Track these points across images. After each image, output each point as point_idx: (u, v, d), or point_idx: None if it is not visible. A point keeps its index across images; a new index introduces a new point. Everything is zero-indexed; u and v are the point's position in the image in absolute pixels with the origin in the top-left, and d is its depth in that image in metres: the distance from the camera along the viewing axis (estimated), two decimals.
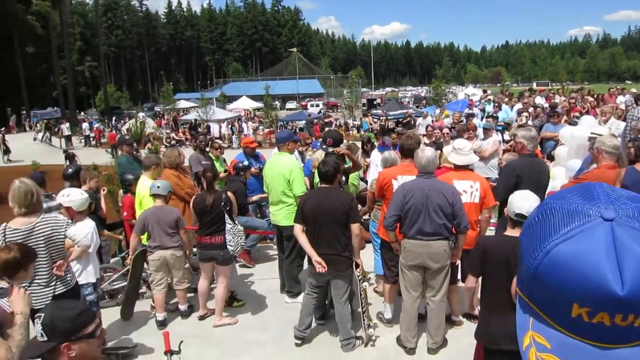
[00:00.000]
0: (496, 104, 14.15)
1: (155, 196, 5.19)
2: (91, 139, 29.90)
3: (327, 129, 15.71)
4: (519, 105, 13.25)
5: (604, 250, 0.70)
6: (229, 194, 5.27)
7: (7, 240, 3.41)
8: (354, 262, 4.51)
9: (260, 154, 8.06)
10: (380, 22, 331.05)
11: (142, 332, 5.10)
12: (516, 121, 11.00)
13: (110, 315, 5.24)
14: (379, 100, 50.02)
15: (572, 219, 0.75)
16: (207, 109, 32.01)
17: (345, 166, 4.96)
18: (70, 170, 5.94)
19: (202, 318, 5.31)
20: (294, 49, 79.96)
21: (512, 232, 3.10)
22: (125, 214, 6.18)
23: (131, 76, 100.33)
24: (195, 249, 5.48)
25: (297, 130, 25.76)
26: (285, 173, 5.46)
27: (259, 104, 47.90)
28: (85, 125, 31.53)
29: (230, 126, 29.84)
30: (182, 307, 5.39)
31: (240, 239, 4.99)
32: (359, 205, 6.01)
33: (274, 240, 7.62)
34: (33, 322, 2.08)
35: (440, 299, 4.30)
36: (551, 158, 7.86)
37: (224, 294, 5.17)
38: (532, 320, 0.79)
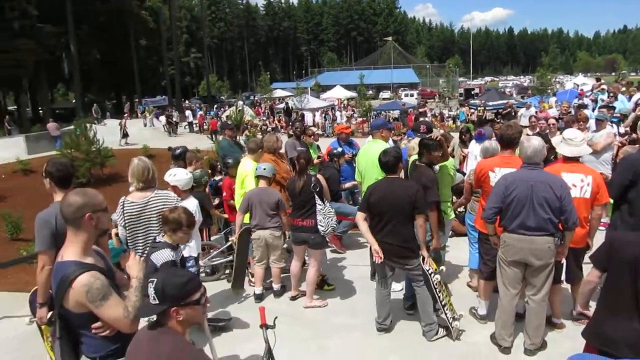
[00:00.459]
0: (611, 94, 12.89)
1: (260, 177, 5.42)
2: (194, 125, 31.86)
3: (421, 119, 15.33)
4: (638, 95, 11.96)
5: None
6: (319, 176, 5.36)
7: (125, 211, 3.75)
8: (421, 254, 4.42)
9: (355, 142, 8.07)
10: (480, 8, 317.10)
11: (238, 307, 5.37)
12: (634, 111, 9.98)
13: (208, 289, 5.55)
14: (477, 90, 47.87)
15: None
16: (302, 98, 32.71)
17: (436, 153, 4.80)
18: (177, 151, 6.36)
19: (293, 299, 5.48)
20: (389, 38, 78.86)
21: None
22: (224, 194, 6.51)
23: (231, 66, 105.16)
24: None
25: (391, 120, 25.46)
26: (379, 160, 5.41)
27: (353, 94, 48.02)
28: (188, 112, 33.63)
29: (324, 115, 30.27)
30: (276, 286, 5.59)
31: (331, 220, 5.05)
32: (454, 197, 5.82)
33: None
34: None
35: (542, 298, 4.04)
36: None
37: (315, 277, 5.28)
38: None
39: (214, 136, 24.54)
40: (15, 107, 49.34)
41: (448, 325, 4.48)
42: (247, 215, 5.46)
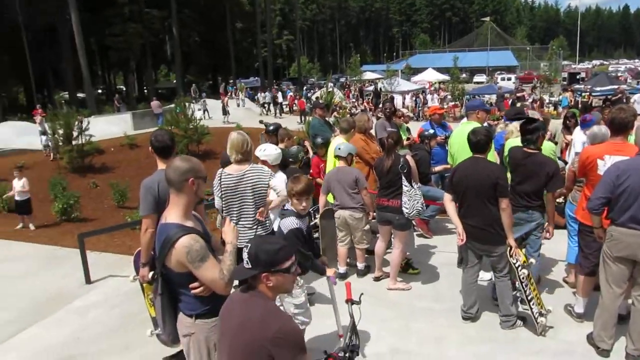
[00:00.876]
0: None
1: (337, 157, 5.43)
2: (284, 106, 32.59)
3: (519, 104, 14.46)
4: None
5: None
6: (408, 157, 5.24)
7: (222, 182, 3.94)
8: (508, 243, 4.20)
9: (448, 124, 7.80)
10: None
11: (322, 283, 5.45)
12: None
13: None
14: (583, 75, 44.18)
15: None
16: (392, 80, 32.23)
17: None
18: (271, 127, 6.55)
19: (377, 279, 5.47)
20: (487, 18, 74.93)
21: None
22: (311, 171, 6.61)
23: (322, 48, 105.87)
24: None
25: (489, 104, 24.32)
26: None
27: (445, 77, 46.46)
28: (279, 94, 34.43)
29: (414, 98, 29.59)
30: (360, 265, 5.61)
31: (417, 202, 4.94)
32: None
33: None
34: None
35: None
36: None
37: (399, 259, 5.22)
38: None
39: (302, 117, 25.00)
40: (124, 87, 53.55)
41: (533, 321, 4.25)
42: (331, 196, 5.51)
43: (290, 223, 3.60)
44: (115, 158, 17.67)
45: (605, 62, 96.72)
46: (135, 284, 4.14)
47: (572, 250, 4.87)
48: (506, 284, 4.29)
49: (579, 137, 6.49)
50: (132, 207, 10.81)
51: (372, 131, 7.00)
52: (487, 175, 4.13)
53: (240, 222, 3.90)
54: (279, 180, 4.51)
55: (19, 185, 9.94)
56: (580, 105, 16.23)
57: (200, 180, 2.55)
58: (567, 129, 7.88)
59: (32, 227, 9.87)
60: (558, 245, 5.57)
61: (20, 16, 33.61)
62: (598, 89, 26.04)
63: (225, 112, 27.01)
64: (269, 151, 4.91)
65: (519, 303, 4.46)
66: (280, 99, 33.08)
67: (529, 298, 4.27)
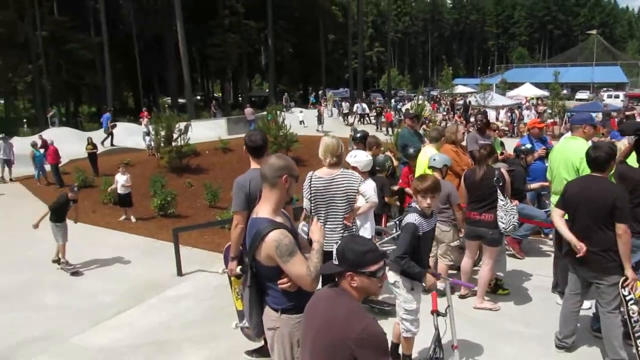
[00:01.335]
0: None
1: (432, 168, 5.28)
2: (370, 117, 32.50)
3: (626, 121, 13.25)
4: None
5: None
6: (503, 170, 4.98)
7: (312, 185, 3.99)
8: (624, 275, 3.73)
9: (548, 139, 7.32)
10: None
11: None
12: None
13: None
14: None
15: None
16: (485, 95, 31.10)
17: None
18: (358, 135, 6.55)
19: (462, 297, 5.24)
20: (594, 31, 69.85)
21: None
22: (400, 181, 6.52)
23: (413, 60, 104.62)
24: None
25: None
26: (574, 160, 4.74)
27: (544, 92, 43.93)
28: (357, 105, 34.16)
29: (510, 113, 28.21)
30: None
31: (513, 217, 4.67)
32: None
33: (549, 235, 6.93)
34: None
35: None
36: None
37: (488, 277, 4.96)
38: None
39: (389, 129, 24.83)
40: (220, 94, 56.57)
41: None
42: None
43: (411, 217, 3.61)
44: (210, 160, 18.66)
45: None
46: (223, 279, 4.32)
47: None
48: (615, 321, 3.82)
49: None
50: (222, 207, 11.34)
51: (464, 143, 6.77)
52: (603, 196, 3.74)
53: (327, 225, 3.93)
54: (368, 187, 4.48)
55: (122, 179, 10.77)
56: None
57: (293, 179, 2.62)
58: None
59: (133, 219, 10.66)
60: None
61: (134, 27, 36.88)
62: None
63: (320, 121, 28.23)
64: (359, 157, 4.90)
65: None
66: (367, 110, 33.09)
67: (636, 335, 3.84)
